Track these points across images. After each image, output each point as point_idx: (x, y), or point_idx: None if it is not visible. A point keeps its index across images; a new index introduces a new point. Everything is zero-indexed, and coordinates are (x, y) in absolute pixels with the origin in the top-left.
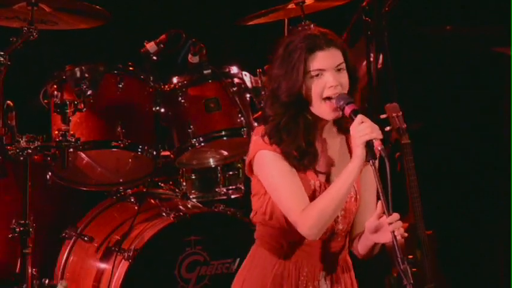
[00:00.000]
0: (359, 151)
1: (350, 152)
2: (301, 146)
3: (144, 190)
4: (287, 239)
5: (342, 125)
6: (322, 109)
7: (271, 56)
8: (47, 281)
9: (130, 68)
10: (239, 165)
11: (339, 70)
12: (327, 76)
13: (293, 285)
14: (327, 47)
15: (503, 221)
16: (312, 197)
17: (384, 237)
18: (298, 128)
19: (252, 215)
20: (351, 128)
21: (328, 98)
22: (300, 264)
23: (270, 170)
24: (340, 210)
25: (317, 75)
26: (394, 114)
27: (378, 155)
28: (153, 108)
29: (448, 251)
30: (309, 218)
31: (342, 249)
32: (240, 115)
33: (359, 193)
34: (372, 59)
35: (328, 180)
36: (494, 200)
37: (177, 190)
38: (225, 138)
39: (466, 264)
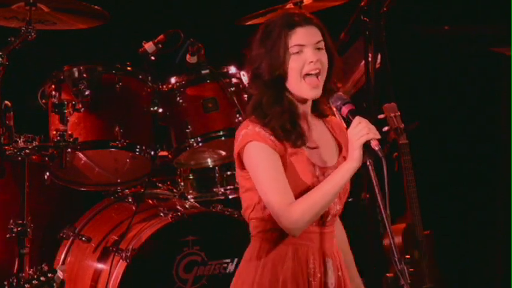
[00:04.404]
0: (356, 154)
1: (332, 134)
2: (286, 126)
3: (142, 190)
4: None
5: (318, 110)
6: (301, 87)
7: (249, 40)
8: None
9: (129, 68)
10: None
11: (318, 49)
12: (306, 52)
13: (305, 275)
14: (306, 24)
15: (502, 221)
16: (313, 183)
17: None
18: (282, 107)
19: (247, 211)
20: (348, 132)
21: (308, 75)
22: (305, 254)
23: (257, 161)
24: None
25: (297, 52)
26: (392, 114)
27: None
28: (151, 108)
29: (446, 251)
30: (294, 213)
31: (333, 233)
32: (238, 115)
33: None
34: (370, 59)
35: (324, 163)
36: (493, 199)
37: (175, 190)
38: (223, 138)
39: (464, 264)
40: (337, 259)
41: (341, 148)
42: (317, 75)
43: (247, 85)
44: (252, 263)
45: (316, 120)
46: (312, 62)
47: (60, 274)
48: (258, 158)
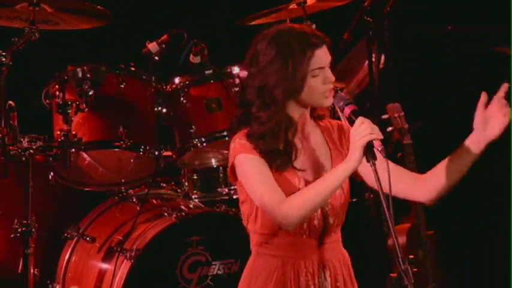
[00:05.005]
0: (357, 154)
1: (326, 141)
2: (278, 147)
3: (146, 190)
4: (281, 242)
5: (315, 114)
6: (319, 100)
7: (251, 55)
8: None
9: (132, 68)
10: None
11: (329, 67)
12: (325, 73)
13: (294, 287)
14: (322, 45)
15: (504, 221)
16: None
17: (498, 124)
18: (280, 129)
19: (245, 223)
20: (351, 132)
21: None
22: (298, 265)
23: (247, 170)
24: (327, 204)
25: (318, 75)
26: (396, 115)
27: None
28: (155, 109)
29: (449, 251)
30: (288, 207)
31: (336, 243)
32: None
33: (346, 185)
34: (373, 59)
35: (311, 175)
36: (495, 200)
37: (179, 190)
38: (227, 138)
39: (468, 264)
40: (337, 270)
41: (332, 156)
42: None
43: (246, 103)
44: (247, 277)
45: (313, 127)
46: (331, 82)
47: None
48: (246, 167)
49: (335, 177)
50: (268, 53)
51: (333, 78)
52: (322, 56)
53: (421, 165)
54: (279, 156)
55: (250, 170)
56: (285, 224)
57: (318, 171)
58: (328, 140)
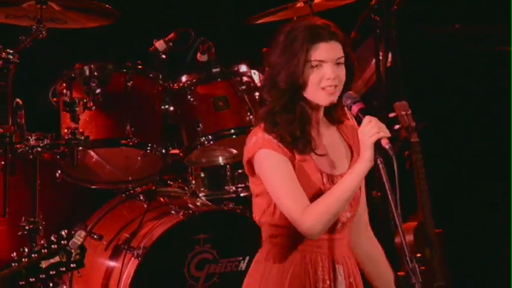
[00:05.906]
0: (368, 153)
1: (346, 140)
2: (295, 133)
3: (153, 188)
4: (298, 235)
5: (333, 117)
6: (318, 96)
7: (271, 41)
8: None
9: (139, 67)
10: None
11: (338, 64)
12: (326, 68)
13: (312, 281)
14: (330, 39)
15: (510, 220)
16: (320, 190)
17: None
18: (294, 115)
19: (258, 216)
20: (359, 131)
21: (325, 88)
22: (314, 259)
23: (270, 169)
24: None
25: (317, 65)
26: (403, 113)
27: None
28: (162, 107)
29: (457, 249)
30: (311, 216)
31: (348, 239)
32: (249, 113)
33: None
34: (380, 58)
35: (332, 171)
36: (502, 198)
37: (186, 188)
38: (234, 136)
39: (475, 262)
40: (349, 265)
41: (353, 155)
42: (334, 88)
43: (261, 88)
44: (260, 266)
45: (328, 127)
46: (329, 78)
47: (77, 240)
48: (269, 165)
49: (353, 178)
50: (278, 42)
51: (331, 75)
52: (326, 49)
53: (426, 164)
54: (298, 139)
55: (274, 169)
56: (309, 234)
57: (334, 166)
58: (345, 137)
